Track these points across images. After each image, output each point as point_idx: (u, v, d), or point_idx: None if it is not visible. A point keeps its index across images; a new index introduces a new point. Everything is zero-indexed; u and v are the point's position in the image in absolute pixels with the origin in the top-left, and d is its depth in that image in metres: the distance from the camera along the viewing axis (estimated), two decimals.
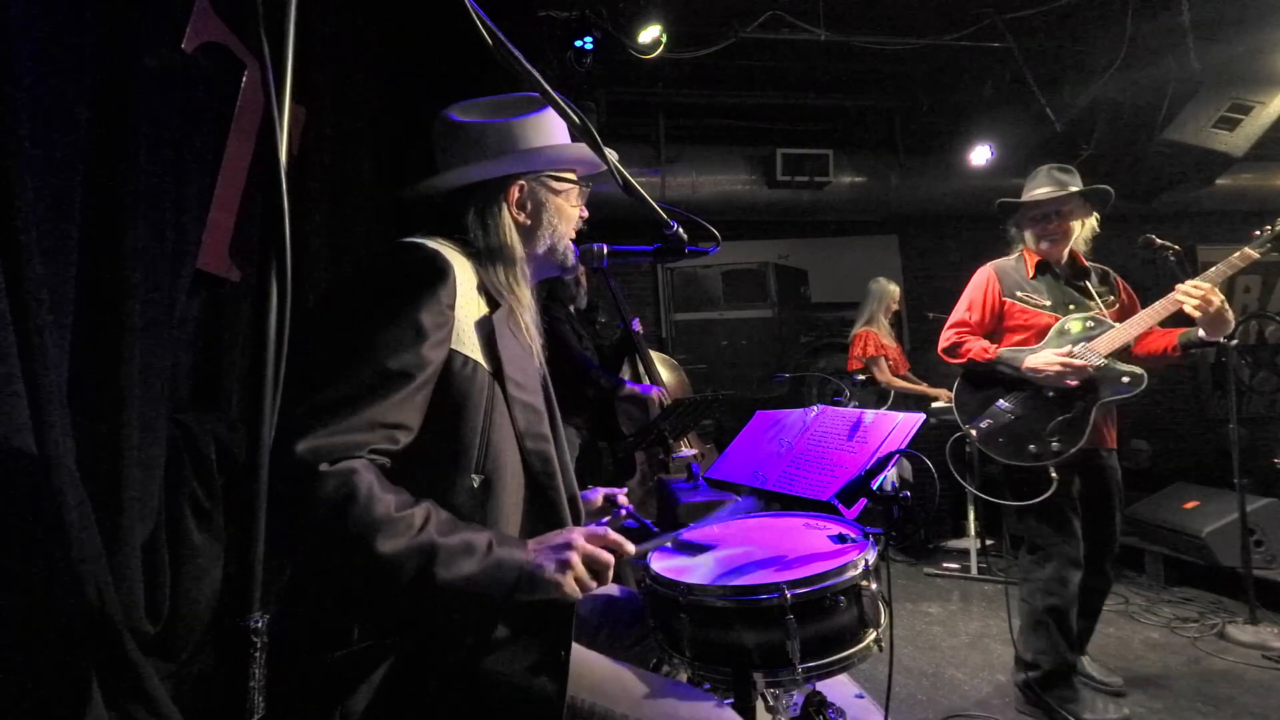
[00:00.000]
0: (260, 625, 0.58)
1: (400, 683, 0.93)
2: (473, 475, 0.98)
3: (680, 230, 1.27)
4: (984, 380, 2.35)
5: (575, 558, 0.93)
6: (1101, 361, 2.15)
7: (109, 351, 1.36)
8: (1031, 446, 2.19)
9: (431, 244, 1.03)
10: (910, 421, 1.38)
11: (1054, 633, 2.20)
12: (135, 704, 1.30)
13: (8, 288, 1.12)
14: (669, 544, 1.34)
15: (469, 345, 1.00)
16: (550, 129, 1.17)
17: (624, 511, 1.37)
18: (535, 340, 1.15)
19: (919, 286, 5.71)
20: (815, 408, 1.66)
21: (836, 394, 4.17)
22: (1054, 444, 2.16)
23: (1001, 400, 2.29)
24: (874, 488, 1.22)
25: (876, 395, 4.39)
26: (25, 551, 1.16)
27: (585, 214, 1.26)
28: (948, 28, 4.03)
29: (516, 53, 0.82)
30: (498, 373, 1.02)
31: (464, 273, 1.03)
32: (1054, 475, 2.15)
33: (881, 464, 1.24)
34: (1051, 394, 2.20)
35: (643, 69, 4.19)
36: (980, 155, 4.64)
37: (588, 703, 0.98)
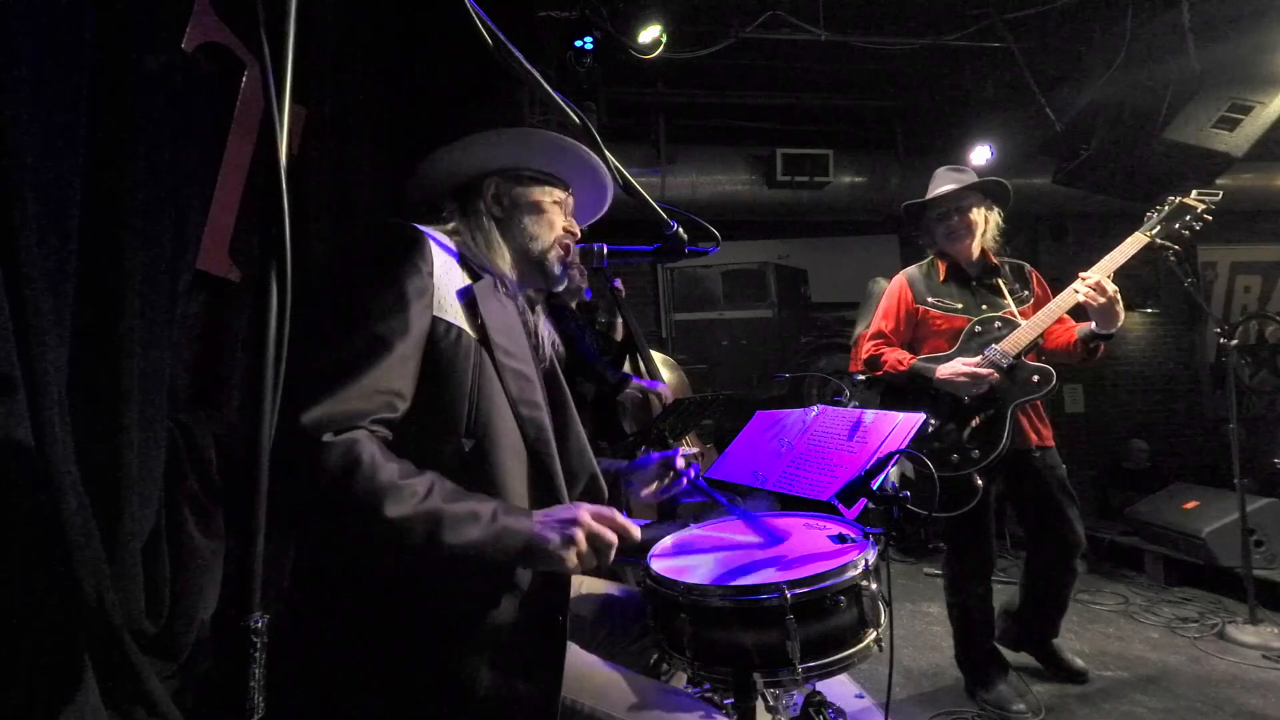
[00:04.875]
0: (260, 625, 0.58)
1: (397, 680, 0.93)
2: (463, 439, 0.98)
3: (680, 230, 1.27)
4: (904, 392, 2.35)
5: (580, 533, 0.94)
6: (1011, 362, 2.16)
7: (109, 351, 1.35)
8: (954, 456, 2.18)
9: (412, 223, 1.06)
10: (910, 421, 1.37)
11: (957, 625, 2.40)
12: (135, 704, 1.30)
13: (7, 288, 1.12)
14: (704, 540, 1.33)
15: (451, 312, 1.01)
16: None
17: (688, 476, 1.33)
18: (533, 324, 1.17)
19: None
20: (815, 408, 1.65)
21: (836, 394, 4.17)
22: (974, 452, 2.16)
23: (922, 412, 2.31)
24: (874, 488, 1.22)
25: (879, 396, 4.38)
26: (25, 551, 1.16)
27: (576, 231, 1.25)
28: (948, 28, 4.04)
29: (517, 53, 0.82)
30: (484, 339, 1.04)
31: (444, 245, 1.07)
32: (979, 483, 2.17)
33: (881, 464, 1.24)
34: (967, 401, 2.21)
35: (643, 69, 4.19)
36: (980, 155, 4.64)
37: (587, 707, 0.98)
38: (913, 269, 2.50)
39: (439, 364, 0.99)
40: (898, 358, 2.35)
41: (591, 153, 1.12)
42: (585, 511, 0.97)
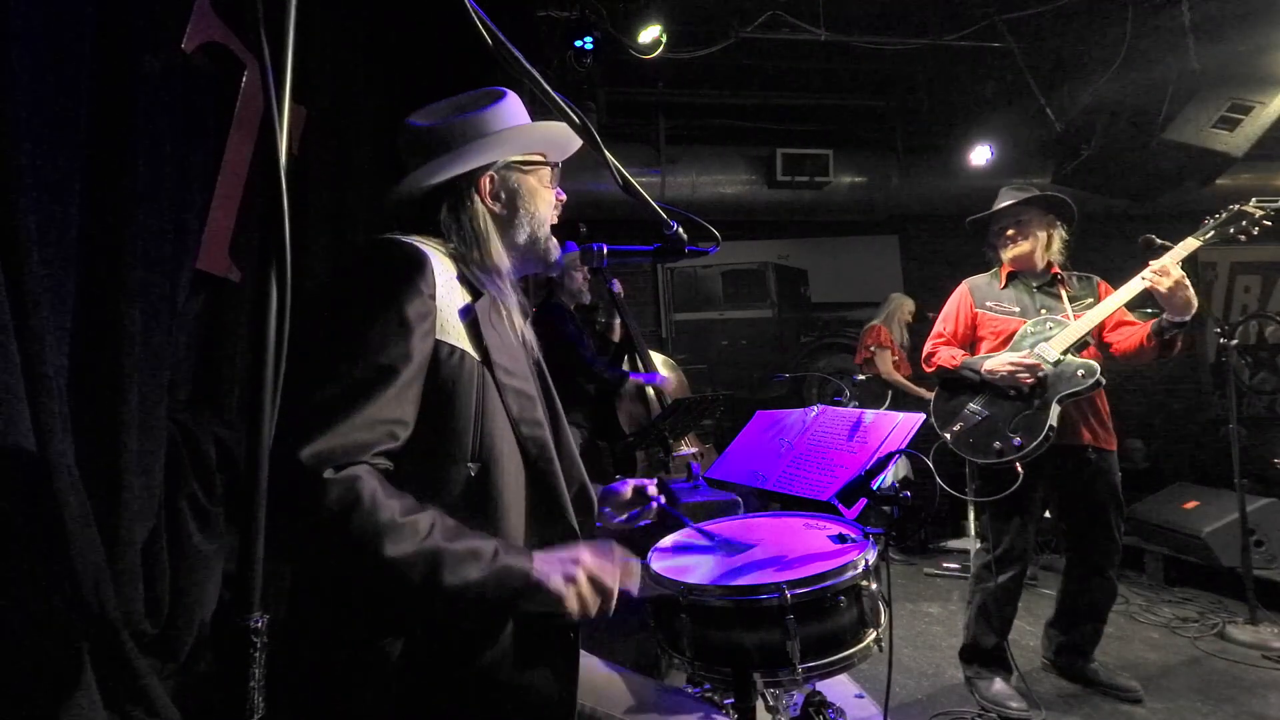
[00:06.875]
0: (260, 625, 0.57)
1: (403, 682, 0.93)
2: (469, 464, 0.97)
3: (680, 230, 1.26)
4: (956, 387, 2.49)
5: (581, 574, 0.92)
6: (1057, 358, 2.27)
7: (109, 351, 1.36)
8: (996, 444, 2.30)
9: (408, 239, 1.02)
10: (910, 421, 1.38)
11: (972, 614, 2.46)
12: (135, 704, 1.30)
13: (7, 288, 1.12)
14: (704, 540, 1.34)
15: (454, 334, 0.99)
16: (511, 116, 1.17)
17: (656, 505, 1.33)
18: (521, 329, 1.14)
19: (919, 287, 5.71)
20: (815, 408, 1.65)
21: (836, 394, 4.17)
22: (1016, 440, 2.26)
23: (970, 404, 2.42)
24: (874, 488, 1.22)
25: (873, 395, 4.40)
26: (25, 551, 1.16)
27: (562, 196, 1.25)
28: (948, 28, 4.03)
29: (517, 53, 0.82)
30: (486, 360, 1.02)
31: (442, 264, 1.03)
32: (1019, 470, 2.26)
33: (881, 464, 1.24)
34: (1012, 393, 2.32)
35: (643, 69, 4.19)
36: (980, 155, 4.63)
37: (588, 707, 0.98)
38: (978, 277, 2.67)
39: (443, 388, 0.96)
40: (951, 354, 2.52)
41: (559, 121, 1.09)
42: (587, 553, 0.96)
